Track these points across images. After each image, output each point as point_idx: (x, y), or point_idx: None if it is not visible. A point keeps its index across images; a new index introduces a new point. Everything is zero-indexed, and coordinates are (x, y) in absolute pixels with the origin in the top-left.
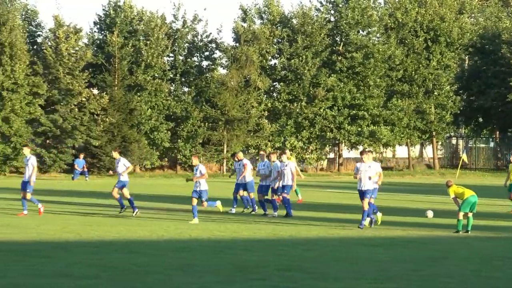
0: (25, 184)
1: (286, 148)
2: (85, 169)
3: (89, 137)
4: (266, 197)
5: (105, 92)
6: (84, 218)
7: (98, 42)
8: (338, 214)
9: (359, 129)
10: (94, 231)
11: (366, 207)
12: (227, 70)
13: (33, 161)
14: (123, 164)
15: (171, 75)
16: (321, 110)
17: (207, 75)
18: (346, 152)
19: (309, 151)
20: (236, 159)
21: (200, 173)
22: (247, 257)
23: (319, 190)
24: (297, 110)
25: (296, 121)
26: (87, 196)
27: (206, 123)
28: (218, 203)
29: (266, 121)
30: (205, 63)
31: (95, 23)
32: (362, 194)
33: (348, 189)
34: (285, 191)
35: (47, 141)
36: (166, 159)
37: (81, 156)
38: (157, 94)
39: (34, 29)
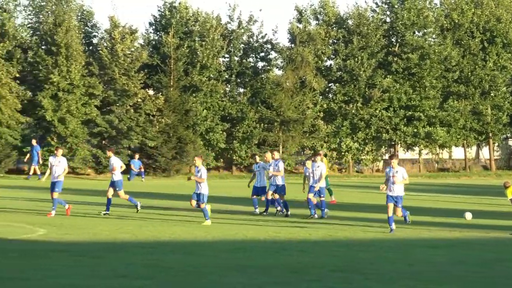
0: (54, 184)
1: (320, 149)
2: (142, 170)
3: (145, 138)
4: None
5: (160, 93)
6: (139, 219)
7: (153, 43)
8: (395, 216)
9: (415, 130)
10: (149, 232)
11: (400, 213)
12: (282, 71)
13: (65, 163)
14: (112, 164)
15: (227, 76)
16: (377, 111)
17: (263, 76)
18: (402, 154)
19: (365, 152)
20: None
21: (201, 176)
22: (302, 258)
23: (375, 191)
24: (353, 111)
25: (352, 122)
26: (142, 197)
27: (262, 124)
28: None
29: (322, 122)
30: (260, 64)
31: (150, 24)
32: (392, 199)
33: (405, 190)
34: (310, 191)
35: (103, 141)
36: (221, 160)
37: (136, 156)
38: (212, 95)
39: (89, 30)
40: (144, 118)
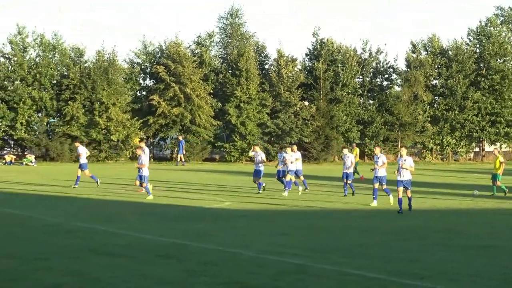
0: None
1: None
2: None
3: (302, 135)
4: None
5: (313, 104)
6: (296, 194)
7: (308, 68)
8: (482, 192)
9: (497, 130)
10: (304, 202)
11: (409, 194)
12: (401, 88)
13: (147, 151)
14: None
15: (361, 92)
16: (469, 116)
17: (386, 91)
18: (488, 147)
19: (460, 146)
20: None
21: (142, 162)
22: (415, 222)
23: (468, 175)
24: (452, 116)
25: (451, 124)
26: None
27: (385, 126)
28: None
29: (429, 124)
30: (385, 83)
31: (306, 54)
32: (401, 184)
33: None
34: (348, 178)
35: (272, 138)
36: None
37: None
38: (350, 105)
39: (262, 59)
40: (301, 122)
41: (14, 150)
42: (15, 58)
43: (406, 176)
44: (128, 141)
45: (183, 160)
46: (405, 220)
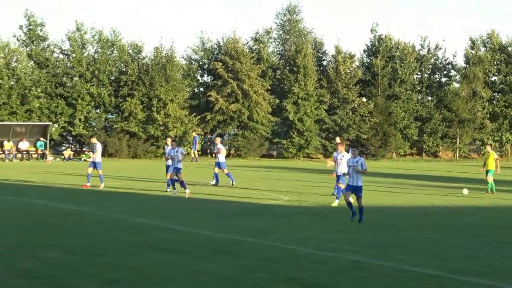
0: (94, 164)
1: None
2: None
3: (359, 132)
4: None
5: (371, 100)
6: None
7: (366, 64)
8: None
9: None
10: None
11: (362, 203)
12: (459, 84)
13: (99, 147)
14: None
15: (419, 88)
16: None
17: (445, 88)
18: None
19: None
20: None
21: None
22: (473, 219)
23: None
24: (511, 113)
25: (510, 121)
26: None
27: (444, 123)
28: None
29: (488, 121)
30: (443, 79)
31: (364, 51)
32: (351, 188)
33: None
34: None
35: (329, 135)
36: (414, 148)
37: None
38: (408, 102)
39: (320, 55)
40: (359, 118)
41: (72, 146)
42: (74, 55)
43: (357, 181)
44: (186, 137)
45: (196, 156)
46: (463, 217)
